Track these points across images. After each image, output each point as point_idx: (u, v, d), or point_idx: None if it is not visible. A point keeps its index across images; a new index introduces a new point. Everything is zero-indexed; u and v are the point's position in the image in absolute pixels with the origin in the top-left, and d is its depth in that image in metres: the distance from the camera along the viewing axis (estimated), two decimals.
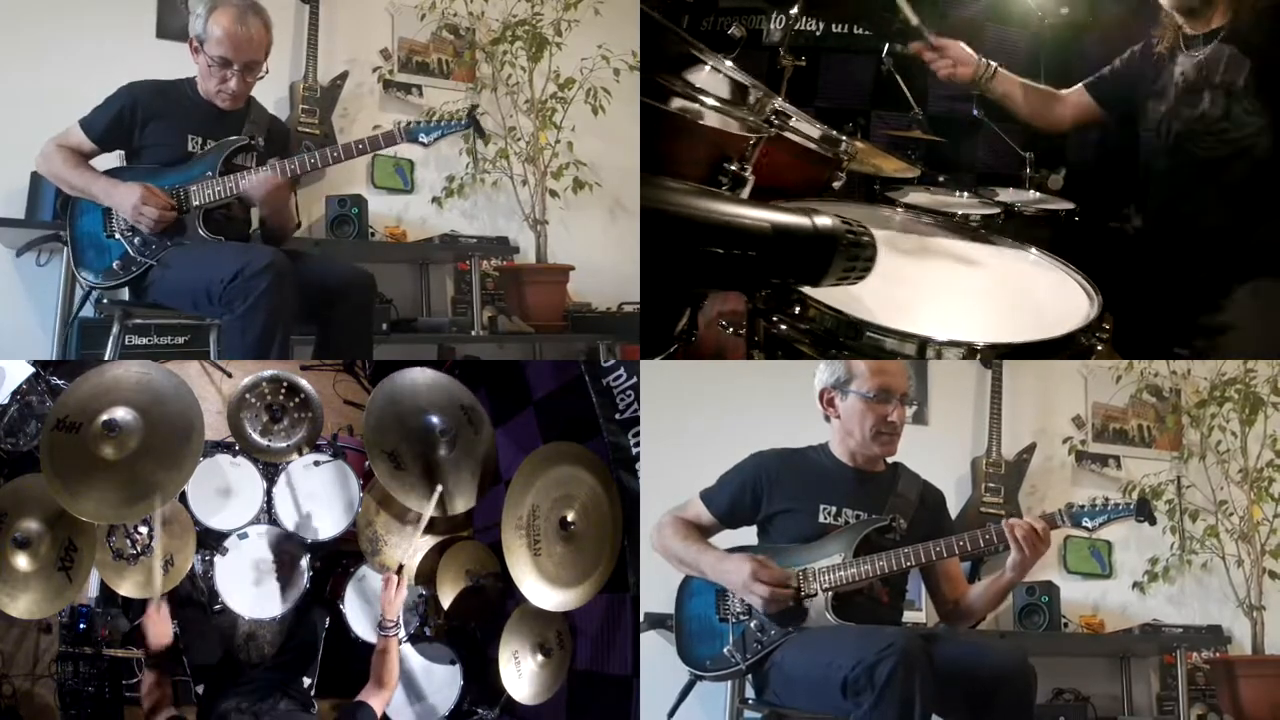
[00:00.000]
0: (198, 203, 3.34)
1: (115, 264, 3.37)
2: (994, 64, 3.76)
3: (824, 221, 2.17)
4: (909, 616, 3.69)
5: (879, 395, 2.92)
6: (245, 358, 3.25)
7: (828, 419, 3.03)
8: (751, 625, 2.88)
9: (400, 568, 3.12)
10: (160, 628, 2.90)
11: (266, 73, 3.46)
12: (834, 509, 2.95)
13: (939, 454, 4.45)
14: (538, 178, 5.28)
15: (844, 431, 3.00)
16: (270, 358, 3.19)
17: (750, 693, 2.99)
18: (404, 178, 5.27)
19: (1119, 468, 4.79)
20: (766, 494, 3.00)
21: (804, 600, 2.84)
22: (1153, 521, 2.83)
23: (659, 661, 3.21)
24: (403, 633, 3.33)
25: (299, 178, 3.53)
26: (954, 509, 3.64)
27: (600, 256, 5.41)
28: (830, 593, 2.82)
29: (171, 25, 4.65)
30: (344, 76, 5.11)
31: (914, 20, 3.72)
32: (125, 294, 3.47)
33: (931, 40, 3.73)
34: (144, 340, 4.17)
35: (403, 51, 5.32)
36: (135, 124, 3.40)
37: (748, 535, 3.07)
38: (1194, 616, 4.61)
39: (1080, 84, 3.75)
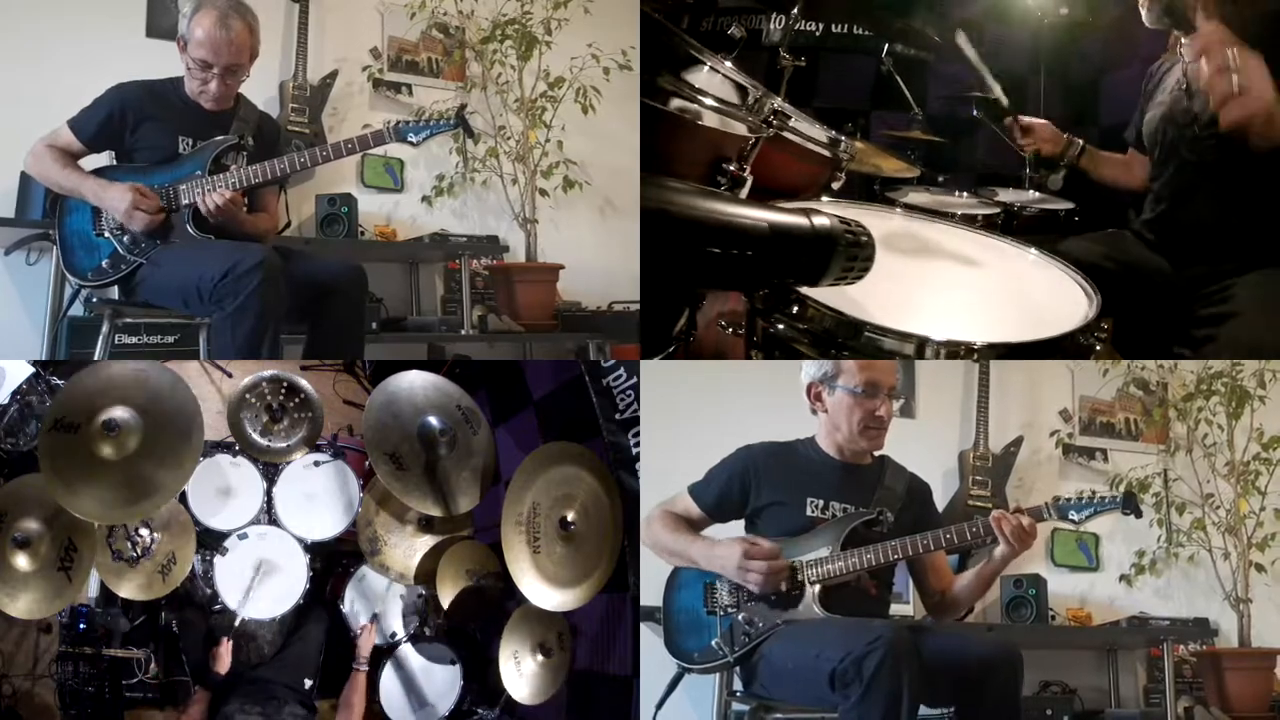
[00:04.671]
0: (187, 201, 3.33)
1: (104, 262, 3.37)
2: (1081, 142, 3.77)
3: (822, 221, 2.18)
4: (896, 609, 3.71)
5: (866, 390, 2.93)
6: (235, 357, 3.24)
7: (814, 413, 3.04)
8: (739, 618, 2.89)
9: (375, 616, 3.31)
10: (228, 657, 3.10)
11: (248, 76, 3.45)
12: (821, 502, 2.96)
13: (926, 447, 4.46)
14: (527, 177, 5.27)
15: (831, 426, 3.01)
16: (260, 356, 3.19)
17: (738, 685, 3.00)
18: (394, 176, 5.27)
19: (1106, 461, 4.81)
20: (754, 488, 3.01)
21: (794, 589, 2.85)
22: (1139, 514, 2.85)
23: (649, 654, 3.22)
24: (402, 633, 3.34)
25: (285, 180, 3.53)
26: (941, 502, 3.66)
27: (590, 255, 5.41)
28: (818, 585, 2.84)
29: (162, 24, 4.63)
30: (334, 75, 5.11)
31: (1005, 100, 3.74)
32: (115, 293, 3.46)
33: (1021, 120, 3.74)
34: (134, 339, 4.16)
35: (392, 50, 5.31)
36: (126, 126, 3.40)
37: (736, 529, 3.08)
38: (1181, 609, 4.63)
39: (1129, 144, 3.74)
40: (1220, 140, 3.20)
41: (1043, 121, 3.81)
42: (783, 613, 2.86)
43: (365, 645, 3.23)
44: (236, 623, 3.19)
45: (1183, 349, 3.31)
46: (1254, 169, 3.02)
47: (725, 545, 2.91)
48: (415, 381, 3.27)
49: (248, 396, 3.37)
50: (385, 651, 3.31)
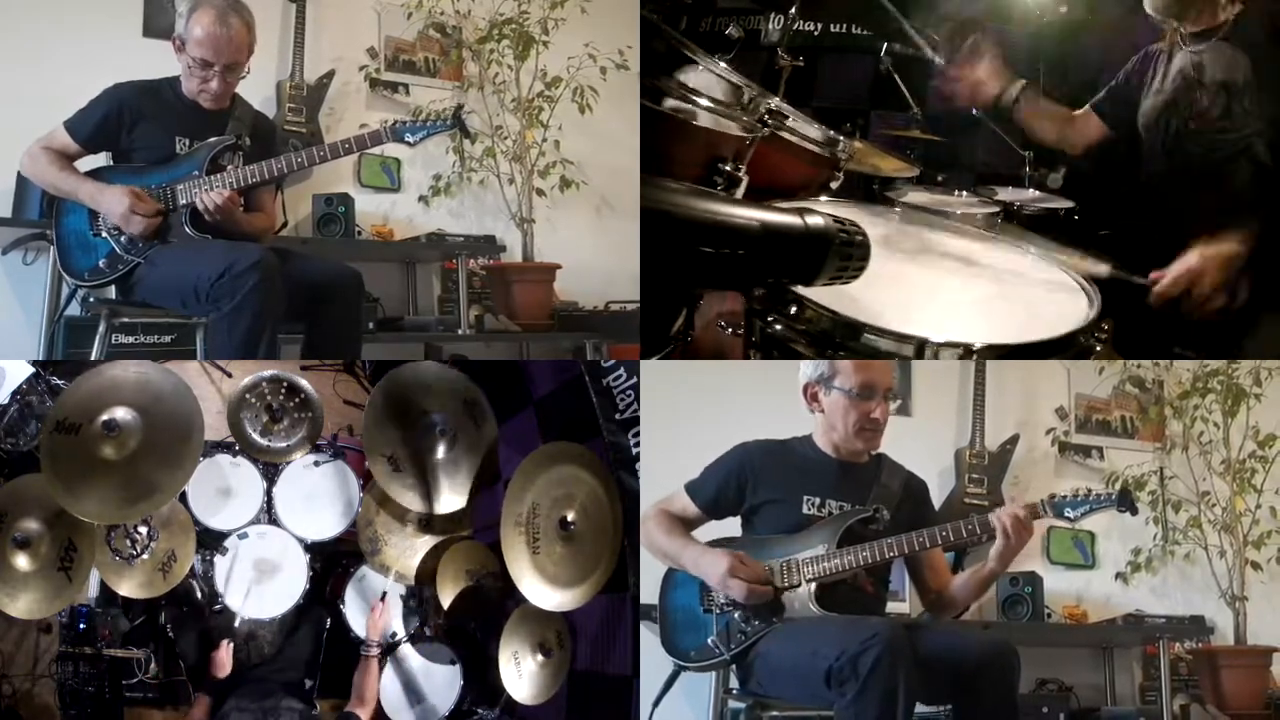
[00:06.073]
0: (184, 201, 3.33)
1: (102, 262, 3.36)
2: (1022, 82, 3.74)
3: (816, 221, 2.17)
4: (893, 607, 3.71)
5: (862, 392, 2.93)
6: (232, 356, 3.25)
7: (812, 412, 3.05)
8: (736, 616, 2.89)
9: (384, 595, 3.27)
10: (228, 661, 3.09)
11: (248, 72, 3.46)
12: (818, 500, 2.97)
13: (923, 445, 4.47)
14: (524, 176, 5.28)
15: (827, 425, 3.02)
16: (258, 356, 3.19)
17: (735, 683, 3.00)
18: (391, 176, 5.27)
19: (1102, 459, 4.83)
20: (751, 485, 3.02)
21: (786, 592, 2.86)
22: (1134, 511, 2.84)
23: (649, 654, 3.22)
24: (402, 633, 3.34)
25: (282, 180, 3.54)
26: (938, 500, 3.66)
27: (587, 255, 5.42)
28: (814, 583, 2.84)
29: (159, 24, 4.63)
30: (331, 75, 5.11)
31: (930, 54, 3.74)
32: (112, 292, 3.46)
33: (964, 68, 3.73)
34: (131, 339, 4.16)
35: (389, 50, 5.31)
36: (122, 126, 3.40)
37: (732, 526, 3.09)
38: (1177, 607, 4.66)
39: (1088, 105, 3.74)
40: (1229, 136, 3.21)
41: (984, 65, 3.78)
42: (779, 611, 2.86)
43: (375, 629, 3.22)
44: (236, 624, 3.19)
45: (1185, 350, 3.31)
46: (1262, 170, 3.03)
47: (714, 556, 2.91)
48: (421, 373, 3.28)
49: (248, 396, 3.37)
50: (385, 651, 3.31)
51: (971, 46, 3.71)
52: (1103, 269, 2.86)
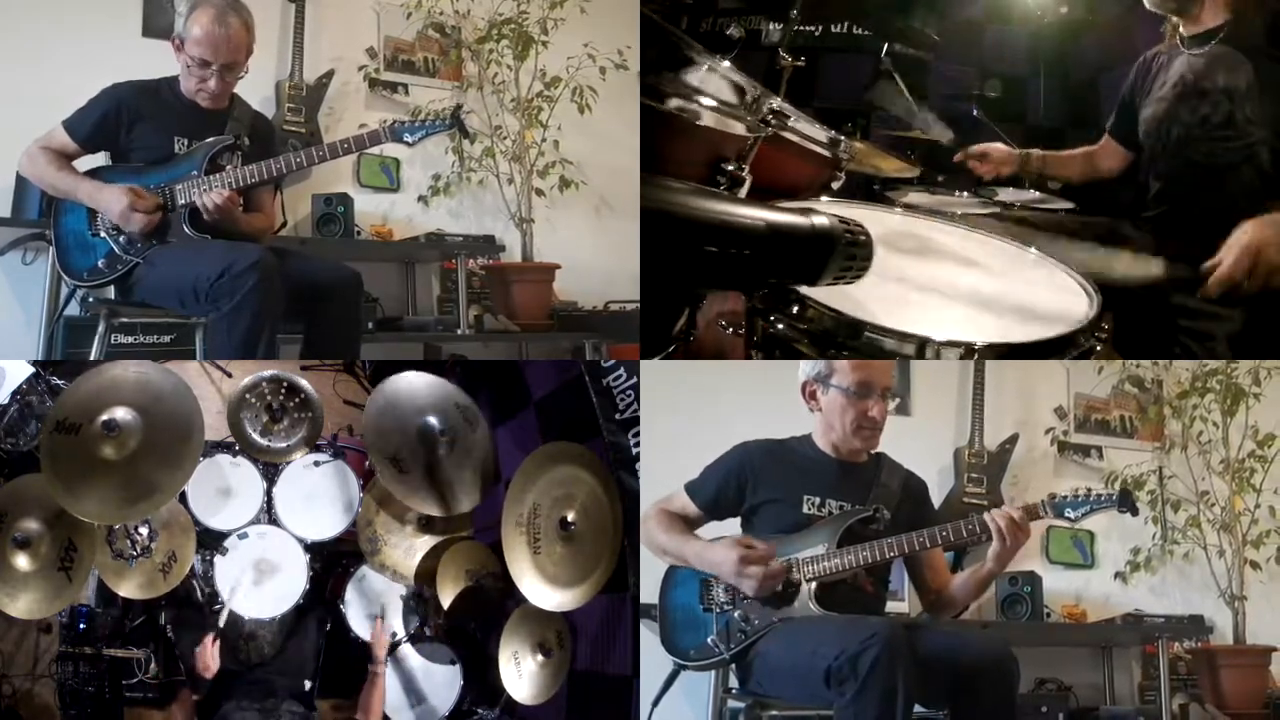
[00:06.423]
0: (183, 201, 3.33)
1: (101, 262, 3.36)
2: (1032, 151, 3.74)
3: (821, 221, 2.16)
4: (892, 606, 3.71)
5: (859, 391, 2.93)
6: (231, 357, 3.25)
7: (811, 410, 3.05)
8: (735, 615, 2.89)
9: (382, 610, 3.30)
10: (213, 660, 3.07)
11: (246, 72, 3.46)
12: (817, 500, 2.96)
13: (922, 444, 4.47)
14: (524, 176, 5.28)
15: (826, 424, 3.02)
16: (256, 356, 3.19)
17: (734, 682, 3.00)
18: (390, 176, 5.28)
19: (1101, 458, 4.84)
20: (751, 485, 3.02)
21: (790, 587, 2.85)
22: (1135, 512, 2.84)
23: (649, 654, 3.23)
24: (402, 633, 3.34)
25: (280, 180, 3.54)
26: (937, 500, 3.66)
27: (586, 255, 5.43)
28: (814, 583, 2.84)
29: (158, 24, 4.64)
30: (330, 75, 5.11)
31: (944, 140, 3.74)
32: (111, 292, 3.45)
33: (972, 151, 3.73)
34: (130, 339, 4.16)
35: (389, 50, 5.31)
36: (121, 126, 3.39)
37: (732, 526, 3.09)
38: (1176, 606, 4.66)
39: (1106, 133, 3.73)
40: (1233, 144, 3.18)
41: (995, 145, 3.79)
42: (779, 610, 2.86)
43: (380, 647, 3.20)
44: (221, 621, 3.18)
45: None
46: (1268, 178, 3.02)
47: (720, 547, 2.91)
48: (413, 382, 3.27)
49: (248, 396, 3.37)
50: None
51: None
52: (1156, 268, 2.83)
